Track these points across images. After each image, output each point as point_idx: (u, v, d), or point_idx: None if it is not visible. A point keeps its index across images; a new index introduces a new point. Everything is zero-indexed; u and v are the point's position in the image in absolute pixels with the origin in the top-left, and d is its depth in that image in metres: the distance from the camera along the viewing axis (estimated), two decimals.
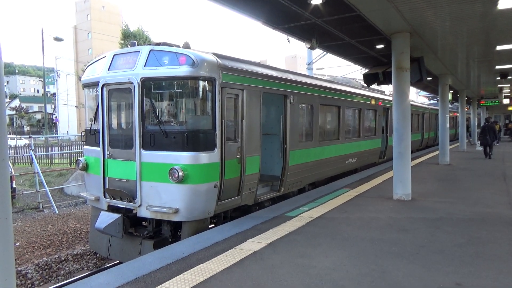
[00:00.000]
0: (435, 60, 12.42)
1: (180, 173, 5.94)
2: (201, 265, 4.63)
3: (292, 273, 4.38)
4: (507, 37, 9.49)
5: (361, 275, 4.33)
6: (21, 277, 7.86)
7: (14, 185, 15.50)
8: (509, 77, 17.14)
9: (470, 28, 8.68)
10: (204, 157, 6.18)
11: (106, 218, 6.56)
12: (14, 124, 74.60)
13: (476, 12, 7.38)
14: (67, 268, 8.44)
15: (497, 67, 14.53)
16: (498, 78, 17.00)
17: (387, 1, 6.56)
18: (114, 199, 6.69)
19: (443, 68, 14.51)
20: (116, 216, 6.51)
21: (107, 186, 6.80)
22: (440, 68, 14.49)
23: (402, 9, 7.08)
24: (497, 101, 27.77)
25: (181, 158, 6.09)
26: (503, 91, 23.98)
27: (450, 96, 18.71)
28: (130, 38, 31.31)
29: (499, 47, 10.58)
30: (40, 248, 9.77)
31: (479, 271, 4.46)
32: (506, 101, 26.88)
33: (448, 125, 15.92)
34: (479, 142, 19.34)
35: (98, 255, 8.75)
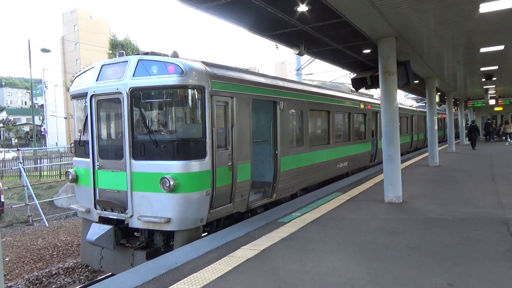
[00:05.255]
0: (422, 63, 12.61)
1: (171, 182, 5.91)
2: (194, 274, 4.61)
3: (286, 280, 4.38)
4: (489, 39, 9.70)
5: (355, 279, 4.35)
6: None
7: (2, 199, 15.28)
8: (494, 78, 17.48)
9: (454, 32, 8.85)
10: (195, 165, 6.17)
11: (97, 230, 6.48)
12: (2, 137, 73.58)
13: (459, 16, 7.53)
14: (59, 282, 8.30)
15: (482, 68, 14.81)
16: (484, 79, 17.32)
17: (372, 7, 6.66)
18: (105, 210, 6.63)
19: (429, 71, 14.73)
20: (107, 227, 6.44)
21: (97, 198, 6.73)
22: (427, 71, 14.71)
23: (387, 15, 7.19)
24: (480, 103, 28.54)
25: (172, 167, 6.07)
26: (489, 92, 24.41)
27: (437, 98, 19.01)
28: (118, 48, 31.18)
29: (482, 49, 10.79)
30: (30, 262, 9.61)
31: (470, 271, 4.51)
32: (492, 101, 27.39)
33: (436, 127, 16.12)
34: (467, 138, 25.84)
35: (90, 267, 8.63)
